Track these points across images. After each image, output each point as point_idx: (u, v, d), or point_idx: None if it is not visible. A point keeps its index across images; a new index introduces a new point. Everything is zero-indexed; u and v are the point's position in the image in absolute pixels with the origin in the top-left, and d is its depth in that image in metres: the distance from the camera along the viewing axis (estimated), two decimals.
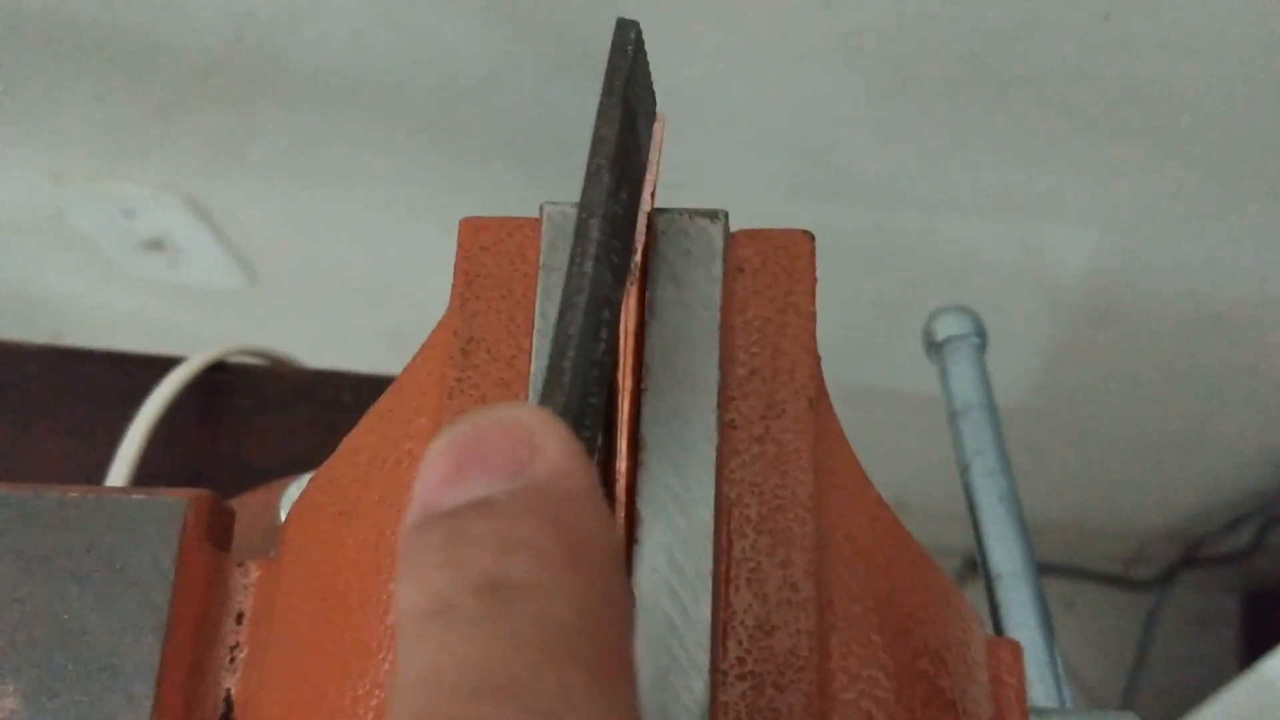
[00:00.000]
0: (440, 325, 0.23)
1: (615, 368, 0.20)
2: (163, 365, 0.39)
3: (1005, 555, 0.29)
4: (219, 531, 0.25)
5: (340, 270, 0.83)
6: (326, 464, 0.23)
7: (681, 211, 0.22)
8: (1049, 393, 0.83)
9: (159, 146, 0.72)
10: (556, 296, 0.21)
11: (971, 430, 0.32)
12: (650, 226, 0.22)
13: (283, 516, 0.30)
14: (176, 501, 0.25)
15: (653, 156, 0.21)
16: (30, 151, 0.73)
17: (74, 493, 0.25)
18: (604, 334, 0.18)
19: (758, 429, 0.20)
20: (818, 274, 0.22)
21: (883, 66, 0.57)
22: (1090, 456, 0.90)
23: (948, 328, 0.34)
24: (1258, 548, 0.90)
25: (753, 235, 0.22)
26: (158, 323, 0.92)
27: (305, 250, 0.81)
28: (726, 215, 0.22)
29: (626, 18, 0.20)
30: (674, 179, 0.69)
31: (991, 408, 0.33)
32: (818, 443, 0.20)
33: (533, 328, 0.21)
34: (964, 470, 0.32)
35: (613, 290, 0.19)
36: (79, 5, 0.60)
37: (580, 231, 0.19)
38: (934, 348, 0.35)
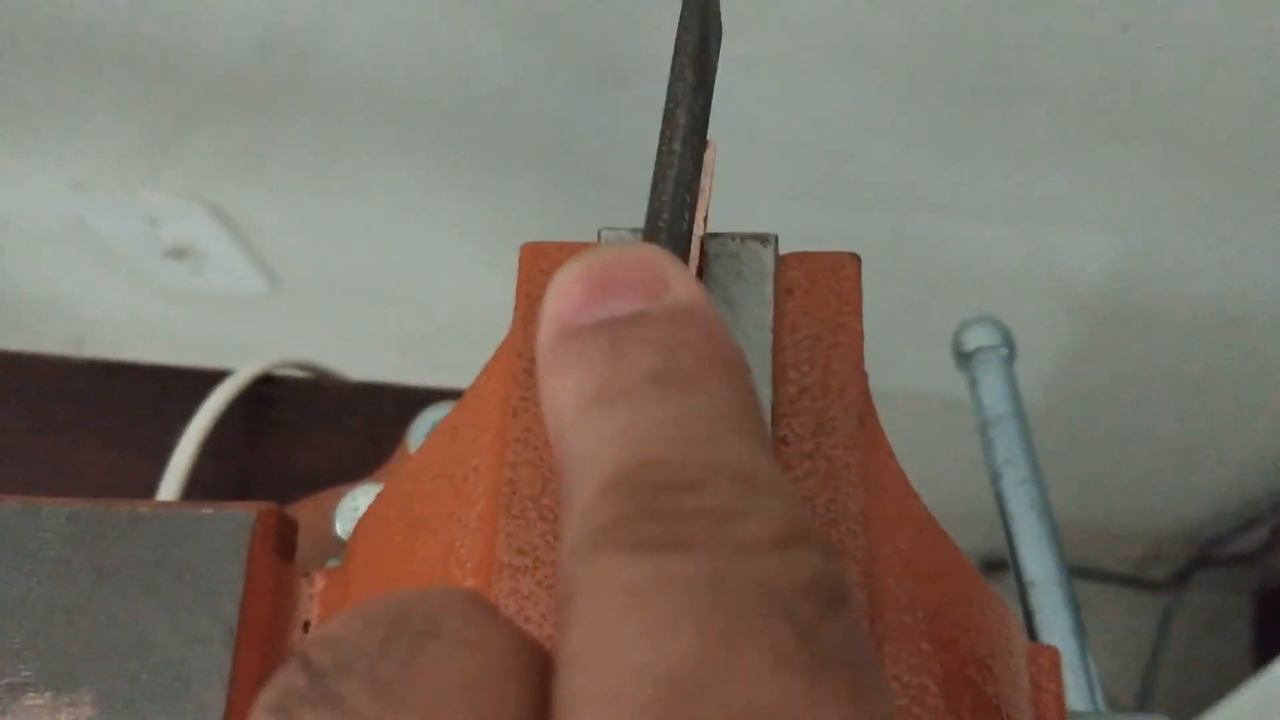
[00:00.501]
0: (503, 347, 0.23)
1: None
2: (207, 378, 0.40)
3: (1038, 563, 0.30)
4: (284, 543, 0.26)
5: (361, 277, 0.84)
6: (393, 480, 0.24)
7: (733, 236, 0.23)
8: (1063, 395, 0.84)
9: (183, 155, 0.73)
10: None
11: (1002, 440, 0.33)
12: (703, 250, 0.22)
13: (338, 528, 0.31)
14: (244, 515, 0.25)
15: (705, 182, 0.22)
16: (53, 160, 0.74)
17: (145, 508, 0.26)
18: (688, 215, 0.21)
19: (809, 445, 0.21)
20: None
21: (900, 75, 0.58)
22: (1104, 458, 0.91)
23: (977, 339, 0.35)
24: (1272, 548, 0.91)
25: (801, 258, 0.23)
26: (180, 329, 0.93)
27: (327, 257, 0.82)
28: (776, 239, 0.23)
29: None
30: None
31: (1021, 417, 0.34)
32: (867, 458, 0.21)
33: None
34: (995, 479, 0.32)
35: (693, 177, 0.21)
36: (105, 16, 0.61)
37: (668, 118, 0.21)
38: (963, 358, 0.36)
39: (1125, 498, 0.96)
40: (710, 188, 0.22)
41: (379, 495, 0.24)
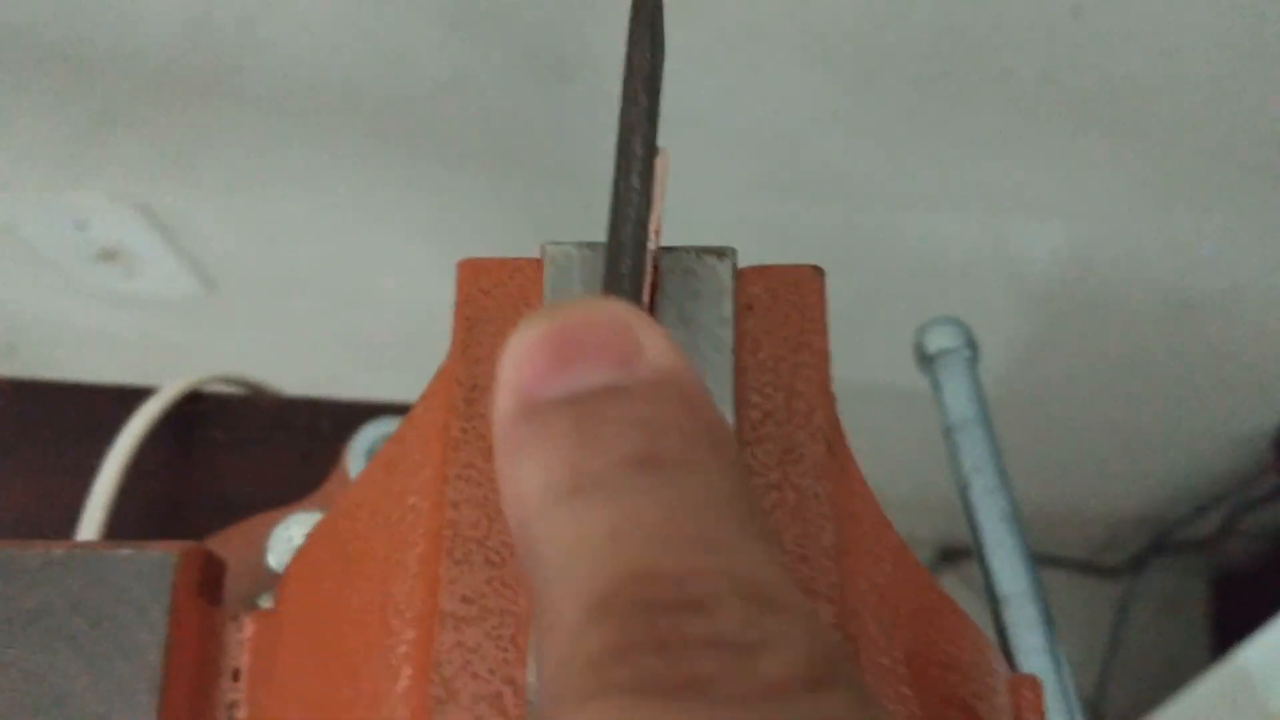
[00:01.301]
0: (441, 373, 0.22)
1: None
2: (132, 396, 0.37)
3: (1011, 577, 0.29)
4: (210, 585, 0.24)
5: (298, 276, 0.82)
6: (327, 517, 0.23)
7: (688, 250, 0.21)
8: (1018, 382, 0.83)
9: (111, 155, 0.70)
10: None
11: (968, 446, 0.32)
12: (655, 266, 0.21)
13: (270, 560, 0.29)
14: (165, 555, 0.24)
15: (656, 191, 0.20)
16: None
17: (58, 549, 0.24)
18: (647, 250, 0.19)
19: (775, 475, 0.20)
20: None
21: (850, 65, 0.57)
22: (1059, 444, 0.90)
23: (939, 340, 0.34)
24: (1227, 532, 0.91)
25: (761, 272, 0.22)
26: (114, 333, 0.90)
27: (263, 257, 0.80)
28: (734, 253, 0.21)
29: None
30: None
31: (987, 422, 0.32)
32: (837, 487, 0.20)
33: None
34: (963, 487, 0.31)
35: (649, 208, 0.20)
36: (26, 13, 0.58)
37: (624, 148, 0.19)
38: (925, 360, 0.34)
39: (1081, 484, 0.96)
40: (661, 199, 0.21)
41: (312, 534, 0.23)
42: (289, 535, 0.29)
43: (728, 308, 0.21)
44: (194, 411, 0.39)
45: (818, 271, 0.22)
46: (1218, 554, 0.97)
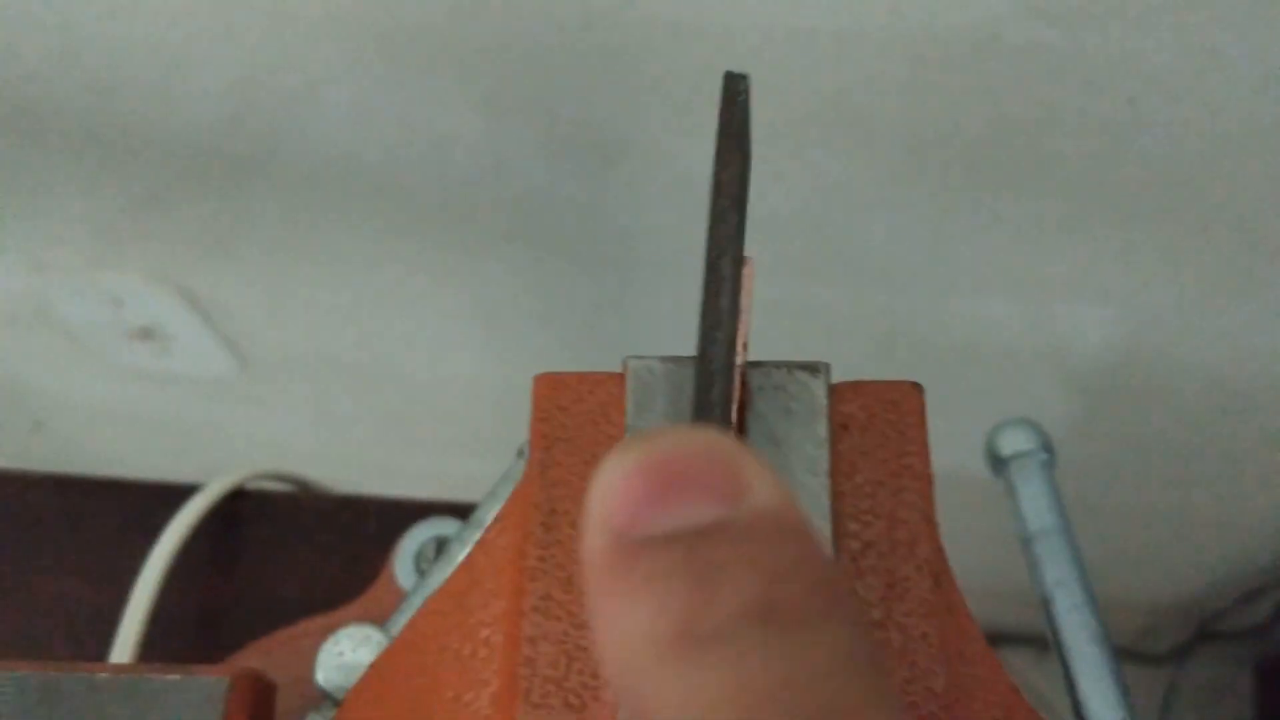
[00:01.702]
0: (516, 494, 0.20)
1: None
2: (175, 494, 0.36)
3: (1105, 704, 0.27)
4: (262, 711, 0.23)
5: (333, 356, 0.81)
6: (391, 647, 0.21)
7: (779, 364, 0.20)
8: (1063, 467, 0.82)
9: (148, 236, 0.70)
10: None
11: (1050, 557, 0.30)
12: (744, 382, 0.20)
13: (319, 677, 0.28)
14: (216, 682, 0.22)
15: (743, 302, 0.19)
16: (14, 242, 0.71)
17: (103, 673, 0.22)
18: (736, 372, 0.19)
19: (878, 613, 0.18)
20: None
21: (896, 152, 0.56)
22: (1103, 530, 0.88)
23: (1014, 443, 0.32)
24: (1274, 622, 0.89)
25: (856, 388, 0.20)
26: (143, 412, 0.89)
27: (298, 337, 0.79)
28: (828, 369, 0.20)
29: (735, 70, 0.20)
30: (684, 262, 0.67)
31: (1068, 530, 0.31)
32: (945, 626, 0.18)
33: None
34: (1046, 603, 0.30)
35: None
36: (66, 94, 0.58)
37: (714, 269, 0.19)
38: (999, 463, 0.33)
39: (1125, 571, 0.94)
40: (749, 310, 0.20)
41: (374, 666, 0.21)
42: (339, 650, 0.27)
43: (823, 428, 0.19)
44: (237, 509, 0.37)
45: (917, 388, 0.20)
46: (1263, 643, 0.94)
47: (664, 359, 0.20)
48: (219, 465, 0.91)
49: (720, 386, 0.17)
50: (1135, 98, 0.53)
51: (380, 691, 0.21)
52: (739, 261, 0.19)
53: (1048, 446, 0.33)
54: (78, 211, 0.68)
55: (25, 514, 0.37)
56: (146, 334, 0.79)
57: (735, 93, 0.19)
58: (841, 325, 0.69)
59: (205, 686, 0.22)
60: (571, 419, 0.20)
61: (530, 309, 0.74)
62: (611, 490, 0.14)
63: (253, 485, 0.38)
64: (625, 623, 0.13)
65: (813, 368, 0.20)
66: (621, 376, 0.20)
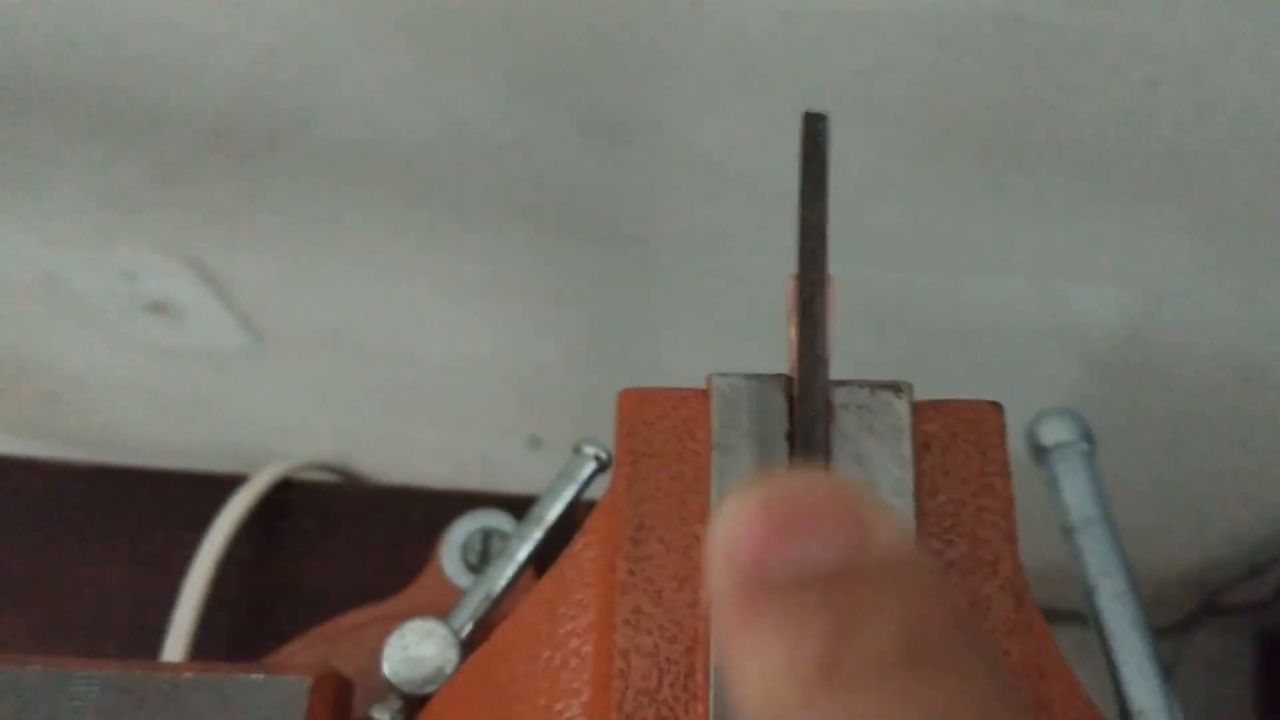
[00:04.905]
0: (602, 507, 0.21)
1: None
2: (217, 485, 0.37)
3: (1147, 692, 0.28)
4: (342, 710, 0.23)
5: (349, 331, 0.81)
6: (478, 654, 0.22)
7: (862, 384, 0.21)
8: None
9: (162, 210, 0.70)
10: (732, 478, 0.19)
11: (1093, 548, 0.31)
12: (827, 402, 0.20)
13: (385, 669, 0.28)
14: (299, 682, 0.23)
15: (829, 321, 0.20)
16: (26, 215, 0.71)
17: (187, 672, 0.23)
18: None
19: None
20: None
21: (913, 135, 0.56)
22: (1111, 505, 0.89)
23: (1055, 433, 0.33)
24: (1278, 597, 0.90)
25: (938, 408, 0.21)
26: (156, 385, 0.89)
27: (313, 312, 0.79)
28: (911, 388, 0.21)
29: (814, 111, 0.21)
30: (700, 241, 0.68)
31: (1110, 520, 0.31)
32: (1026, 645, 0.19)
33: (707, 513, 0.20)
34: (1090, 591, 0.30)
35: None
36: (85, 70, 0.58)
37: (807, 311, 0.19)
38: (1040, 453, 0.33)
39: (1131, 544, 0.95)
40: (834, 328, 0.20)
41: (462, 670, 0.22)
42: (404, 644, 0.28)
43: (907, 448, 0.20)
44: (282, 499, 0.38)
45: (997, 408, 0.21)
46: (1267, 617, 0.96)
47: (747, 376, 0.21)
48: (232, 439, 0.92)
49: (822, 428, 0.18)
50: (1156, 80, 0.53)
51: (470, 696, 0.21)
52: (825, 298, 0.19)
53: (1088, 436, 0.33)
54: (91, 185, 0.68)
55: (68, 504, 0.38)
56: (160, 308, 0.79)
57: (816, 133, 0.20)
58: (856, 304, 0.69)
59: (289, 686, 0.23)
60: (656, 434, 0.21)
61: (546, 286, 0.74)
62: (735, 526, 0.14)
63: (297, 476, 0.38)
64: (765, 657, 0.14)
65: (895, 387, 0.21)
66: (705, 392, 0.21)
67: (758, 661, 0.14)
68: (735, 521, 0.14)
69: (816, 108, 0.57)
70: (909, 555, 0.14)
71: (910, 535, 0.14)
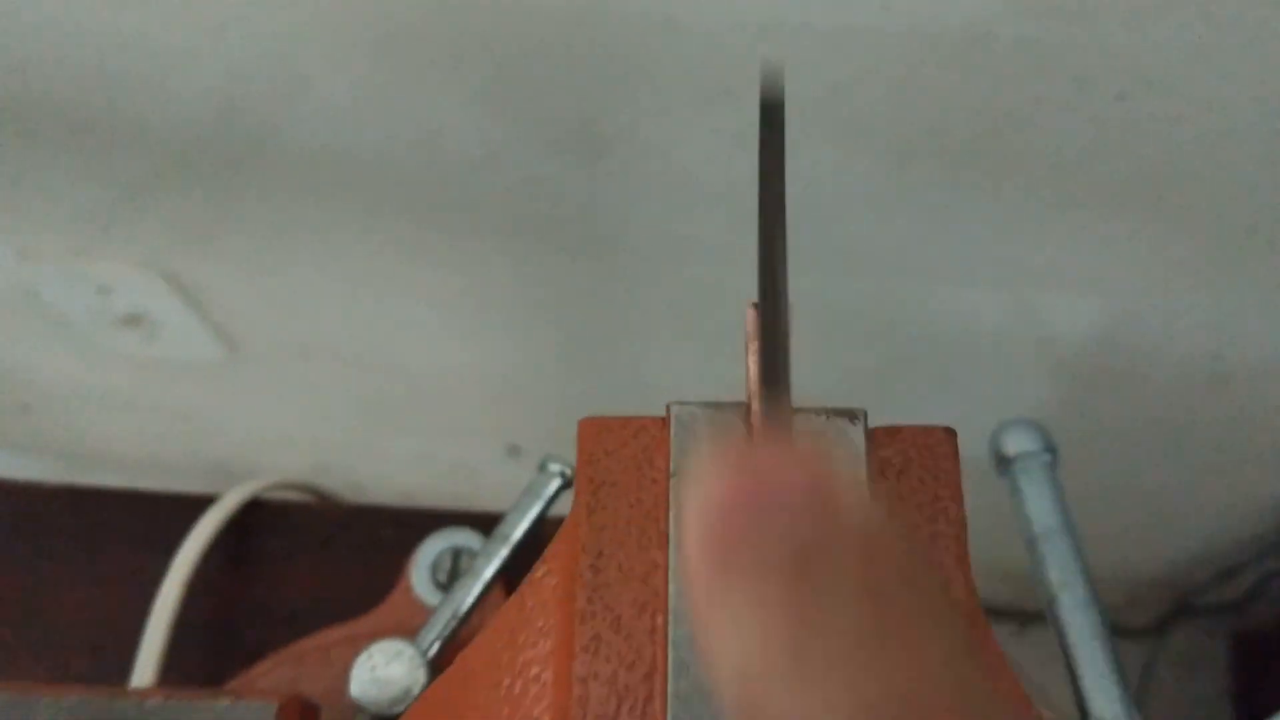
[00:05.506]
0: (563, 535, 0.21)
1: None
2: (188, 505, 0.37)
3: (1107, 702, 0.28)
4: None
5: (323, 343, 0.81)
6: (441, 680, 0.22)
7: (818, 410, 0.21)
8: None
9: (136, 224, 0.70)
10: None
11: (1054, 557, 0.31)
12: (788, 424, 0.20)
13: (352, 689, 0.28)
14: (264, 706, 0.23)
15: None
16: None
17: (153, 699, 0.23)
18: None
19: None
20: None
21: (885, 148, 0.57)
22: (1083, 507, 0.90)
23: (1017, 443, 0.33)
24: (1252, 597, 0.90)
25: (892, 434, 0.21)
26: (130, 397, 0.89)
27: (287, 324, 0.79)
28: (865, 415, 0.21)
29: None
30: (675, 253, 0.68)
31: (1072, 530, 0.32)
32: (977, 664, 0.19)
33: (666, 540, 0.20)
34: (1050, 601, 0.31)
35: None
36: (57, 85, 0.58)
37: (769, 367, 0.19)
38: (1003, 463, 0.34)
39: (1105, 546, 0.95)
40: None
41: (424, 697, 0.22)
42: (371, 665, 0.28)
43: (862, 474, 0.20)
44: (251, 519, 0.38)
45: (950, 434, 0.21)
46: (1240, 617, 0.97)
47: (705, 404, 0.21)
48: (209, 451, 0.91)
49: (786, 380, 0.17)
50: (1125, 93, 0.53)
51: None
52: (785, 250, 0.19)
53: (1050, 447, 0.34)
54: (65, 200, 0.68)
55: (40, 526, 0.38)
56: (134, 321, 0.79)
57: (774, 119, 0.20)
58: (827, 315, 0.70)
59: (255, 711, 0.23)
60: (616, 463, 0.21)
61: (523, 296, 0.74)
62: (705, 504, 0.14)
63: (267, 495, 0.38)
64: (736, 635, 0.14)
65: (851, 414, 0.21)
66: (664, 420, 0.21)
67: (728, 640, 0.14)
68: (704, 498, 0.14)
69: (791, 122, 0.57)
70: (875, 526, 0.14)
71: (881, 512, 0.14)
